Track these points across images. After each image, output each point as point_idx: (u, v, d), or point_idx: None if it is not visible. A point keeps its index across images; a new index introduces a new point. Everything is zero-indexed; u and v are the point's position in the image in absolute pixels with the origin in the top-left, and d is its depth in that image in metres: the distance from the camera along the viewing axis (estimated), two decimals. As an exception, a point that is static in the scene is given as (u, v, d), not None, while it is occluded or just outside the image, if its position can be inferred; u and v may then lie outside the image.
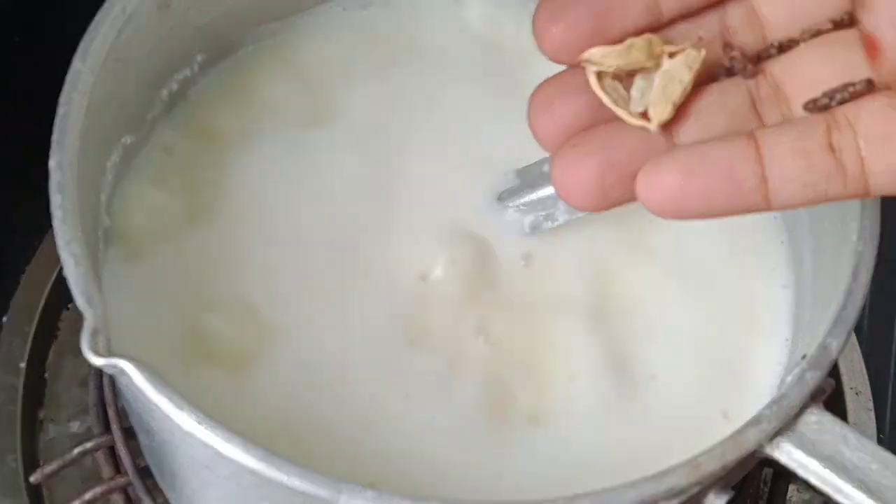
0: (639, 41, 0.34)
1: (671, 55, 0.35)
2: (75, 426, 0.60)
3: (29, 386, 0.60)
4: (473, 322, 0.49)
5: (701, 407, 0.48)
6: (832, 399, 0.58)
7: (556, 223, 0.52)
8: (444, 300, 0.50)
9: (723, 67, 0.35)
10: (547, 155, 0.52)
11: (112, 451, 0.56)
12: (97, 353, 0.37)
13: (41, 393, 0.61)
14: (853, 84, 0.32)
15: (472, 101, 0.57)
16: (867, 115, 0.31)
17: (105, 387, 0.57)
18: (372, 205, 0.52)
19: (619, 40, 0.34)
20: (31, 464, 0.58)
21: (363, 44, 0.58)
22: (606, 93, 0.35)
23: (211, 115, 0.54)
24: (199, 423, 0.36)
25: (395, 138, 0.55)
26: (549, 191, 0.52)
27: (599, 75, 0.35)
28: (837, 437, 0.40)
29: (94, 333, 0.37)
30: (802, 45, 0.34)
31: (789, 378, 0.41)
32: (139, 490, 0.54)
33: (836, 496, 0.39)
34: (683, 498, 0.39)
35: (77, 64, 0.44)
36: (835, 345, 0.41)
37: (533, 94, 0.37)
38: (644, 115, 0.35)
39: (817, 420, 0.40)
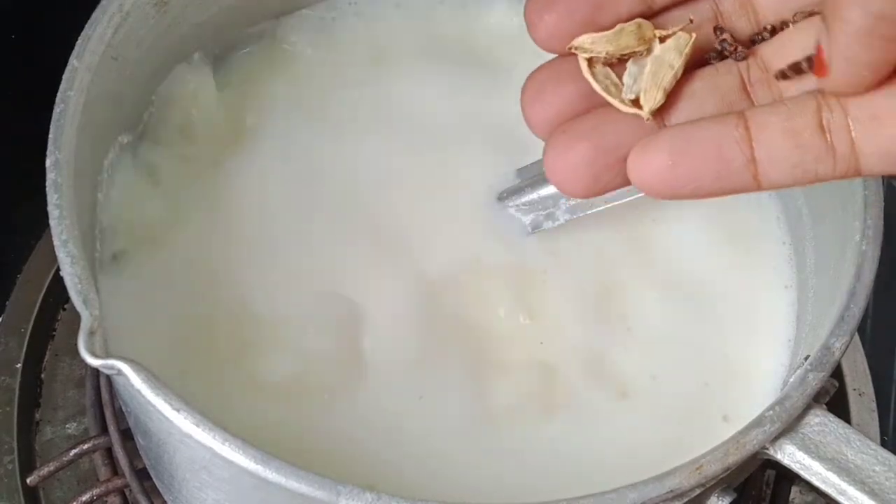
0: (629, 26, 0.34)
1: (662, 39, 0.34)
2: (72, 427, 0.60)
3: (25, 387, 0.60)
4: (473, 322, 0.49)
5: (701, 408, 0.48)
6: (835, 400, 0.58)
7: (556, 223, 0.52)
8: (445, 301, 0.49)
9: (714, 51, 0.35)
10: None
11: (109, 453, 0.56)
12: (94, 353, 0.36)
13: (38, 394, 0.61)
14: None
15: (471, 100, 0.57)
16: (857, 95, 0.31)
17: (102, 388, 0.57)
18: (371, 205, 0.52)
19: (611, 28, 0.34)
20: (27, 465, 0.58)
21: (358, 43, 0.58)
22: (597, 80, 0.35)
23: (209, 115, 0.54)
24: (196, 424, 0.36)
25: (393, 138, 0.55)
26: (549, 190, 0.52)
27: (591, 62, 0.35)
28: (840, 438, 0.40)
29: (91, 334, 0.37)
30: (793, 27, 0.34)
31: (792, 379, 0.41)
32: (136, 492, 0.54)
33: (839, 498, 0.39)
34: (686, 500, 0.39)
35: (73, 62, 0.43)
36: (838, 345, 0.41)
37: (525, 82, 0.37)
38: (636, 101, 0.34)
39: (820, 421, 0.40)
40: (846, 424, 0.40)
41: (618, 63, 0.35)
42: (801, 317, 0.50)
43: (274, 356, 0.47)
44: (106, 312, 0.38)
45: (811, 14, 0.34)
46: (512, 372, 0.48)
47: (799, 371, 0.41)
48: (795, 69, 0.33)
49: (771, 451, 0.40)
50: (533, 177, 0.53)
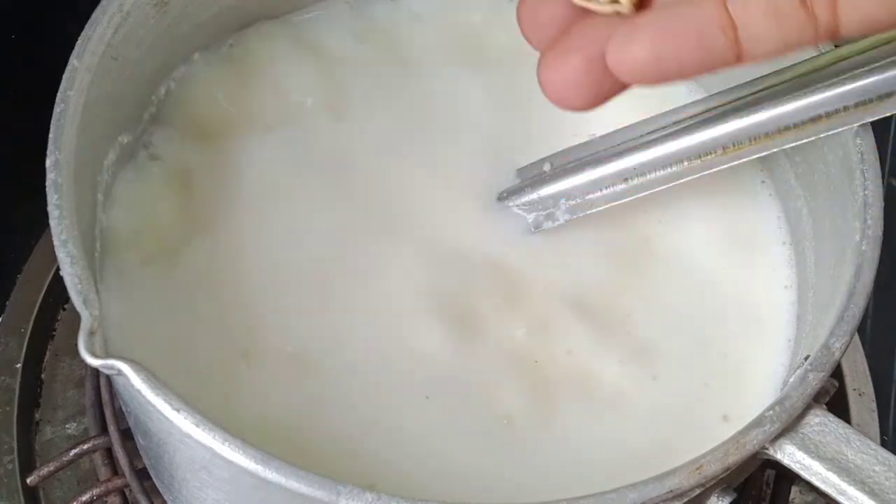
0: None
1: None
2: (72, 427, 0.60)
3: (25, 387, 0.60)
4: (474, 323, 0.49)
5: (701, 408, 0.48)
6: (835, 400, 0.58)
7: (556, 223, 0.52)
8: (446, 301, 0.49)
9: None
10: (547, 155, 0.53)
11: (109, 453, 0.56)
12: (94, 353, 0.36)
13: (38, 394, 0.61)
14: None
15: (470, 99, 0.57)
16: None
17: (102, 388, 0.57)
18: (372, 204, 0.52)
19: None
20: (27, 465, 0.58)
21: (362, 43, 0.58)
22: None
23: (208, 114, 0.54)
24: (196, 424, 0.35)
25: (394, 138, 0.55)
26: (549, 190, 0.52)
27: None
28: (840, 438, 0.40)
29: (91, 334, 0.37)
30: None
31: (791, 379, 0.41)
32: (136, 492, 0.54)
33: (839, 498, 0.39)
34: (686, 500, 0.39)
35: (73, 62, 0.43)
36: (837, 345, 0.41)
37: (519, 3, 0.37)
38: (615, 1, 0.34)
39: (820, 421, 0.40)
40: (846, 424, 0.40)
41: None
42: (801, 317, 0.50)
43: (274, 356, 0.47)
44: (106, 312, 0.38)
45: None
46: (513, 372, 0.48)
47: (799, 371, 0.41)
48: None
49: (771, 451, 0.40)
50: (533, 177, 0.53)
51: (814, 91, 0.44)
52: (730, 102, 0.47)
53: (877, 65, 0.42)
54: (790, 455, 0.40)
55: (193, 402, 0.36)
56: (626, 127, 0.51)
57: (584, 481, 0.43)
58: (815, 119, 0.44)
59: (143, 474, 0.54)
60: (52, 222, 0.39)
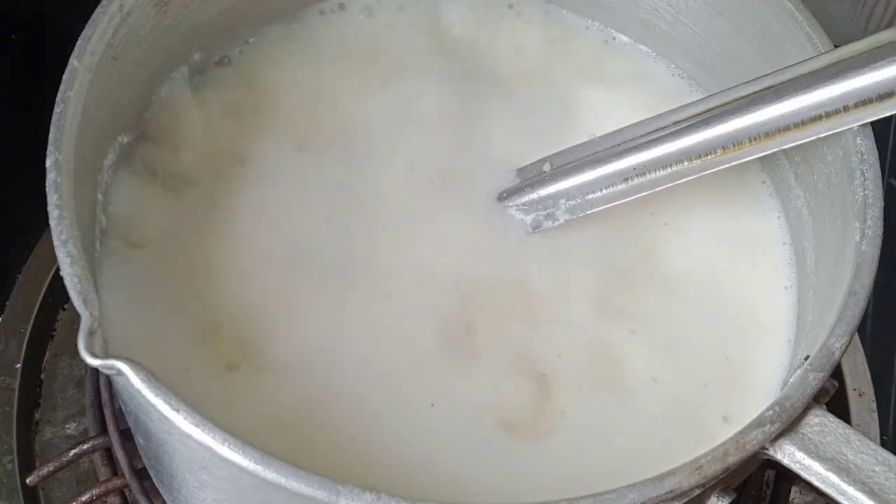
0: None
1: None
2: (72, 427, 0.60)
3: (25, 387, 0.60)
4: (474, 324, 0.49)
5: (701, 409, 0.48)
6: (835, 400, 0.58)
7: (556, 223, 0.52)
8: (446, 302, 0.49)
9: None
10: (547, 154, 0.53)
11: (109, 453, 0.56)
12: (94, 353, 0.36)
13: (37, 394, 0.61)
14: None
15: (469, 101, 0.57)
16: None
17: (102, 388, 0.57)
18: (370, 205, 0.52)
19: None
20: (27, 465, 0.58)
21: (358, 47, 0.58)
22: None
23: (209, 115, 0.54)
24: (196, 424, 0.35)
25: (394, 139, 0.54)
26: (549, 190, 0.52)
27: None
28: (840, 438, 0.40)
29: (91, 334, 0.37)
30: None
31: (792, 379, 0.41)
32: (136, 492, 0.54)
33: (839, 498, 0.39)
34: (686, 500, 0.39)
35: (73, 62, 0.43)
36: (837, 346, 0.41)
37: None
38: None
39: (820, 422, 0.40)
40: (846, 424, 0.40)
41: None
42: (801, 317, 0.50)
43: (275, 356, 0.47)
44: (106, 312, 0.38)
45: None
46: (514, 373, 0.48)
47: (799, 371, 0.41)
48: None
49: (771, 451, 0.40)
50: (533, 177, 0.53)
51: (814, 91, 0.44)
52: (730, 102, 0.47)
53: (877, 65, 0.42)
54: (790, 455, 0.40)
55: (194, 401, 0.36)
56: (626, 127, 0.51)
57: (584, 482, 0.43)
58: (815, 119, 0.44)
59: (142, 474, 0.54)
60: (52, 222, 0.39)
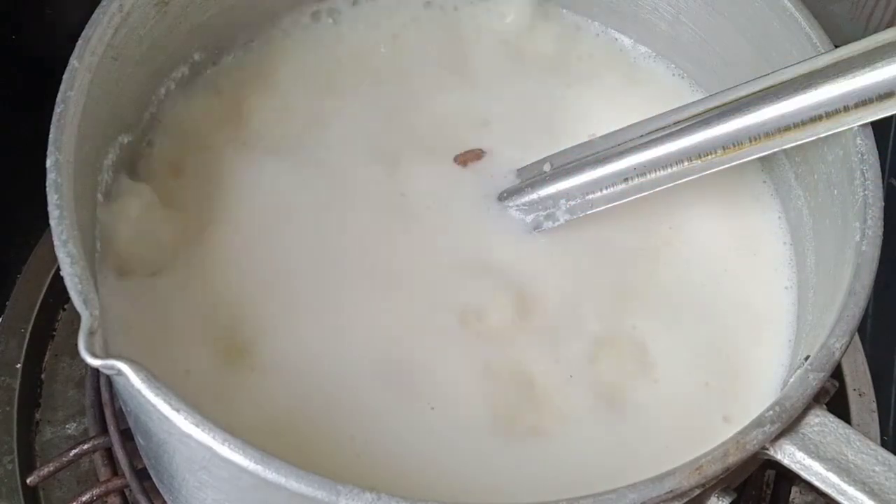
0: None
1: None
2: (72, 427, 0.60)
3: (25, 387, 0.60)
4: (474, 325, 0.49)
5: (702, 410, 0.48)
6: (835, 400, 0.58)
7: (556, 223, 0.52)
8: (446, 302, 0.49)
9: None
10: (547, 154, 0.53)
11: (109, 453, 0.56)
12: (94, 353, 0.36)
13: (38, 394, 0.61)
14: None
15: (469, 101, 0.57)
16: None
17: (102, 388, 0.57)
18: (371, 205, 0.52)
19: None
20: (27, 465, 0.58)
21: (358, 46, 0.58)
22: None
23: (208, 116, 0.54)
24: (196, 424, 0.35)
25: (394, 140, 0.54)
26: (549, 190, 0.52)
27: None
28: (840, 438, 0.40)
29: (91, 334, 0.37)
30: None
31: (792, 379, 0.41)
32: (136, 492, 0.54)
33: (839, 498, 0.39)
34: (686, 500, 0.39)
35: (73, 62, 0.43)
36: (838, 346, 0.41)
37: None
38: None
39: (820, 422, 0.40)
40: (846, 424, 0.40)
41: None
42: (801, 317, 0.50)
43: (275, 357, 0.47)
44: (106, 312, 0.38)
45: None
46: (514, 373, 0.48)
47: (799, 371, 0.41)
48: None
49: (771, 451, 0.40)
50: (533, 177, 0.53)
51: (814, 91, 0.44)
52: (730, 102, 0.47)
53: (877, 65, 0.42)
54: (790, 455, 0.40)
55: (194, 401, 0.36)
56: (626, 127, 0.51)
57: (584, 483, 0.43)
58: (815, 119, 0.44)
59: (143, 474, 0.54)
60: (52, 222, 0.39)
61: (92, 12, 0.45)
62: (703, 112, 0.48)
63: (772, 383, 0.49)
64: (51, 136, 0.41)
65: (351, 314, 0.48)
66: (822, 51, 0.48)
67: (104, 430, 0.56)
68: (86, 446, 0.56)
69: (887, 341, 0.68)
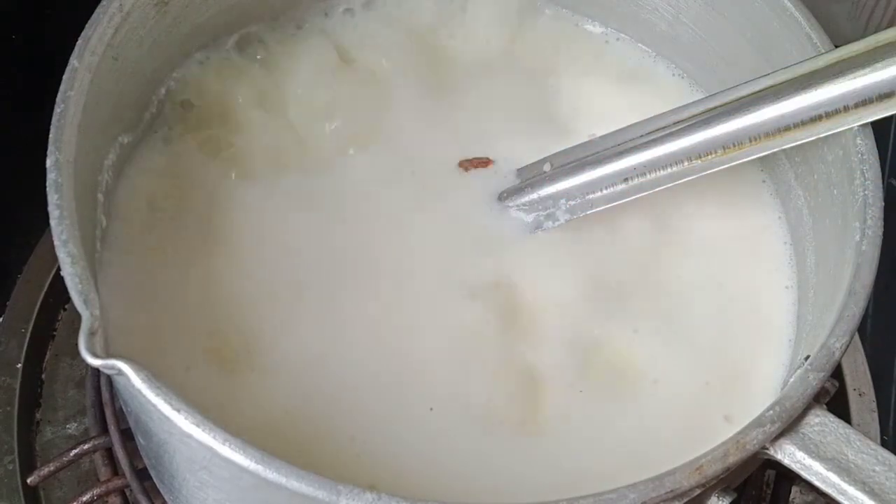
0: None
1: None
2: (72, 427, 0.60)
3: (26, 387, 0.60)
4: (475, 326, 0.49)
5: (703, 410, 0.48)
6: (835, 400, 0.58)
7: (557, 223, 0.52)
8: (447, 302, 0.49)
9: None
10: (547, 154, 0.53)
11: (109, 453, 0.56)
12: (94, 353, 0.36)
13: (38, 394, 0.61)
14: None
15: (468, 101, 0.57)
16: None
17: (102, 388, 0.57)
18: (371, 205, 0.52)
19: None
20: (28, 465, 0.58)
21: (355, 49, 0.58)
22: None
23: (207, 117, 0.54)
24: (196, 424, 0.35)
25: (393, 141, 0.54)
26: (549, 190, 0.52)
27: None
28: (840, 438, 0.40)
29: (91, 334, 0.37)
30: None
31: (792, 379, 0.41)
32: (137, 492, 0.54)
33: (839, 498, 0.39)
34: (686, 500, 0.39)
35: (73, 62, 0.43)
36: (838, 346, 0.41)
37: None
38: None
39: (820, 421, 0.40)
40: (846, 424, 0.40)
41: None
42: (802, 317, 0.50)
43: (275, 357, 0.47)
44: (107, 311, 0.38)
45: None
46: (515, 373, 0.48)
47: (799, 371, 0.41)
48: None
49: (771, 451, 0.40)
50: (533, 177, 0.53)
51: (814, 91, 0.44)
52: (730, 102, 0.47)
53: (877, 65, 0.42)
54: (790, 455, 0.40)
55: (195, 401, 0.36)
56: (626, 127, 0.51)
57: (585, 483, 0.43)
58: (815, 119, 0.44)
59: (143, 474, 0.54)
60: (53, 222, 0.39)
61: (92, 12, 0.45)
62: (703, 112, 0.48)
63: (772, 383, 0.49)
64: (51, 136, 0.41)
65: (351, 315, 0.48)
66: (822, 51, 0.48)
67: (104, 430, 0.56)
68: (86, 446, 0.56)
69: (887, 341, 0.68)
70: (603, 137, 0.52)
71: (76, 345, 0.36)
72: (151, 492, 0.54)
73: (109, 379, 0.56)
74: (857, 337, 0.63)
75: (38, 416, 0.60)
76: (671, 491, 0.37)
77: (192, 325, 0.47)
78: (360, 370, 0.47)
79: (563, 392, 0.48)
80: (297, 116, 0.55)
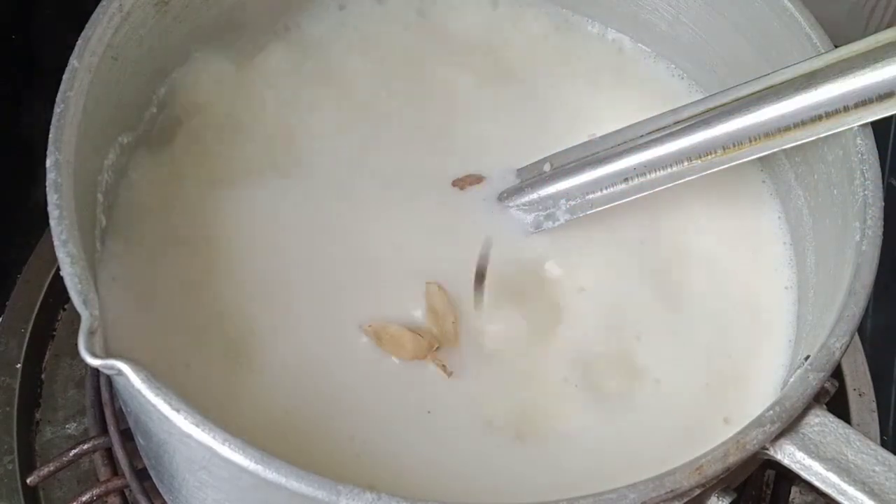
0: None
1: None
2: (72, 427, 0.60)
3: (25, 387, 0.60)
4: (476, 326, 0.49)
5: (703, 410, 0.48)
6: (835, 400, 0.58)
7: (557, 223, 0.52)
8: (446, 306, 0.49)
9: None
10: (547, 154, 0.53)
11: (109, 453, 0.56)
12: (94, 353, 0.36)
13: (38, 394, 0.61)
14: None
15: (468, 101, 0.57)
16: None
17: (102, 388, 0.57)
18: (371, 205, 0.52)
19: None
20: (27, 465, 0.58)
21: (356, 47, 0.58)
22: None
23: (206, 117, 0.54)
24: (196, 424, 0.35)
25: (393, 141, 0.54)
26: (549, 190, 0.52)
27: None
28: (840, 438, 0.40)
29: (91, 334, 0.37)
30: None
31: (792, 379, 0.41)
32: (136, 492, 0.54)
33: (839, 498, 0.39)
34: (686, 500, 0.39)
35: (73, 62, 0.43)
36: (838, 346, 0.41)
37: None
38: None
39: (820, 422, 0.40)
40: (846, 424, 0.40)
41: None
42: (802, 317, 0.50)
43: (275, 356, 0.47)
44: (106, 312, 0.38)
45: None
46: (515, 373, 0.48)
47: (799, 371, 0.41)
48: None
49: (771, 451, 0.40)
50: (533, 177, 0.53)
51: (814, 91, 0.44)
52: (730, 102, 0.47)
53: (877, 65, 0.42)
54: (790, 455, 0.40)
55: (195, 401, 0.36)
56: (626, 127, 0.51)
57: (585, 483, 0.43)
58: (815, 119, 0.44)
59: (143, 474, 0.54)
60: (52, 222, 0.39)
61: (92, 12, 0.45)
62: (703, 112, 0.48)
63: (772, 383, 0.49)
64: (51, 136, 0.41)
65: (351, 315, 0.48)
66: (822, 51, 0.48)
67: (104, 430, 0.56)
68: (86, 446, 0.56)
69: (887, 341, 0.68)
70: (603, 137, 0.52)
71: (76, 345, 0.36)
72: (151, 492, 0.54)
73: (109, 379, 0.56)
74: (857, 337, 0.63)
75: (37, 416, 0.60)
76: (671, 491, 0.37)
77: (191, 325, 0.47)
78: (359, 370, 0.47)
79: (563, 392, 0.48)
80: (295, 119, 0.54)
